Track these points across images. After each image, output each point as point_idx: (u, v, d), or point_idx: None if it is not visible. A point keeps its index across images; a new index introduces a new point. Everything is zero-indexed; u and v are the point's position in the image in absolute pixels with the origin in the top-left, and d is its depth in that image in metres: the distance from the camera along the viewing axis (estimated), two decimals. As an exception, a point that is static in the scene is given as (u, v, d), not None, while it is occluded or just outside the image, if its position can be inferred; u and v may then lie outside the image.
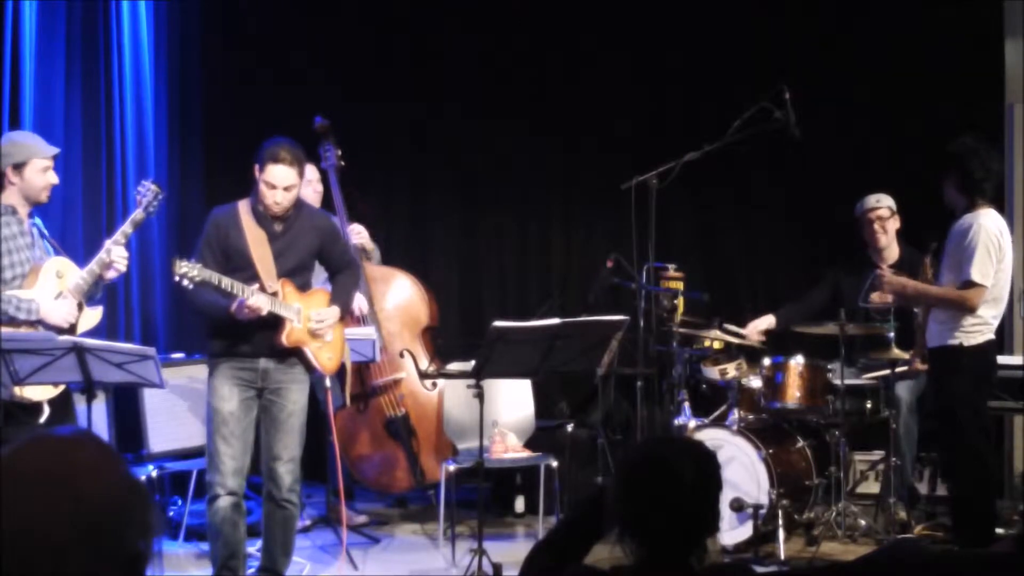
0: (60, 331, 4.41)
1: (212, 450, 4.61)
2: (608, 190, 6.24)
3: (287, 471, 4.67)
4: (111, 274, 4.58)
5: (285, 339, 4.60)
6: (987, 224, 4.76)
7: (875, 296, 5.58)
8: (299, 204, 4.74)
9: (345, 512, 5.36)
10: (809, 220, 7.35)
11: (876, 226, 6.18)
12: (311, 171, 5.86)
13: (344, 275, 4.92)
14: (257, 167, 4.59)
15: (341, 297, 4.87)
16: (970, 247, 4.74)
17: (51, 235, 4.75)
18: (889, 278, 5.17)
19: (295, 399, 4.70)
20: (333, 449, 5.73)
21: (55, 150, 4.61)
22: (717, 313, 6.33)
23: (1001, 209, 6.27)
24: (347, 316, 5.20)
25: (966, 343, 4.78)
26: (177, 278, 4.33)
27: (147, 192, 4.62)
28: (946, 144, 4.95)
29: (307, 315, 4.67)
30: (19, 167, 4.46)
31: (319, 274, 5.10)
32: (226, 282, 4.43)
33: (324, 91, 7.14)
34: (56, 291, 4.48)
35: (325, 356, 4.77)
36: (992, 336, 4.88)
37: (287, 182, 4.58)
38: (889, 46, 7.08)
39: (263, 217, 4.64)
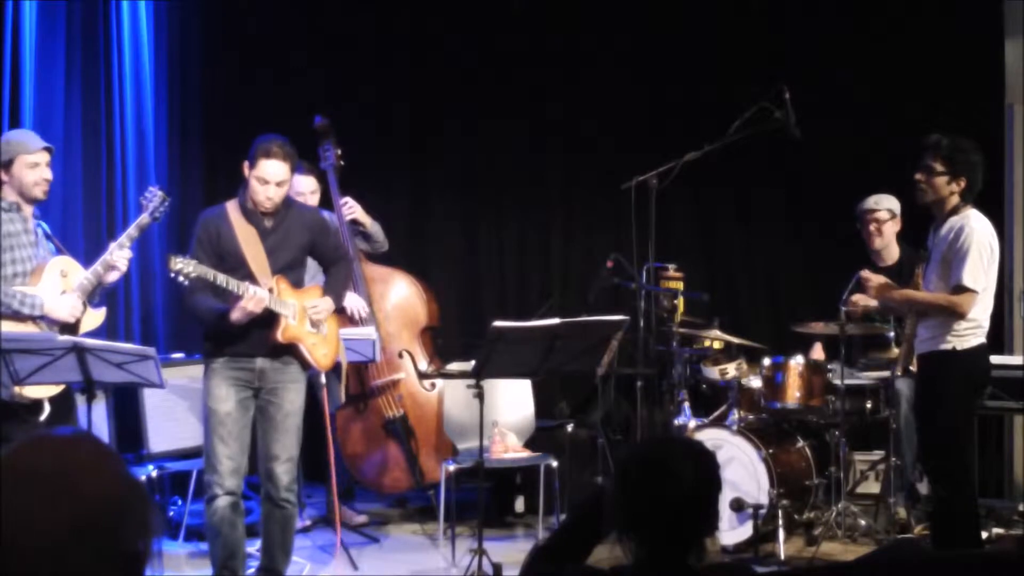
0: (64, 328, 4.42)
1: (209, 451, 4.60)
2: (608, 190, 6.24)
3: (285, 471, 4.67)
4: (112, 276, 4.58)
5: (281, 335, 4.59)
6: (979, 227, 4.67)
7: (857, 298, 5.48)
8: (288, 201, 4.74)
9: (344, 512, 5.37)
10: (809, 220, 7.35)
11: (872, 228, 6.14)
12: (309, 182, 5.85)
13: (336, 268, 4.93)
14: (247, 164, 4.59)
15: (334, 288, 4.88)
16: (962, 251, 4.61)
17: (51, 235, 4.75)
18: (875, 282, 4.99)
19: (292, 399, 4.69)
20: (333, 450, 5.73)
21: (44, 144, 4.58)
22: (717, 313, 6.33)
23: (1000, 209, 6.29)
24: (339, 307, 5.17)
25: (959, 347, 4.69)
26: (173, 274, 4.34)
27: (153, 197, 4.63)
28: (942, 141, 4.77)
29: (302, 308, 4.66)
30: (7, 165, 4.48)
31: (313, 274, 5.10)
32: (221, 278, 4.43)
33: (324, 91, 7.14)
34: (60, 290, 4.48)
35: (320, 353, 4.76)
36: (984, 340, 4.77)
37: (279, 177, 4.57)
38: (889, 46, 7.07)
39: (253, 215, 4.63)
